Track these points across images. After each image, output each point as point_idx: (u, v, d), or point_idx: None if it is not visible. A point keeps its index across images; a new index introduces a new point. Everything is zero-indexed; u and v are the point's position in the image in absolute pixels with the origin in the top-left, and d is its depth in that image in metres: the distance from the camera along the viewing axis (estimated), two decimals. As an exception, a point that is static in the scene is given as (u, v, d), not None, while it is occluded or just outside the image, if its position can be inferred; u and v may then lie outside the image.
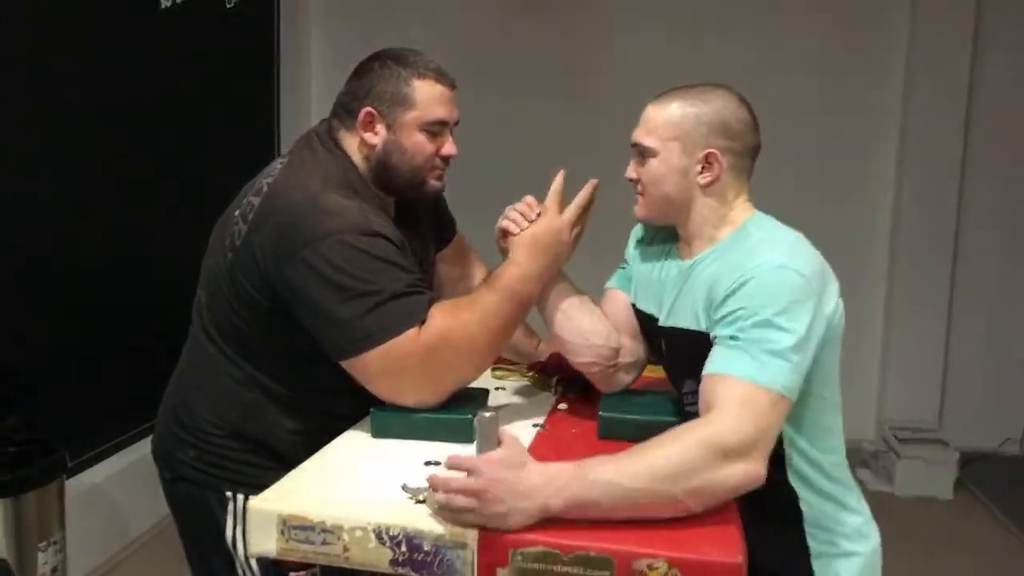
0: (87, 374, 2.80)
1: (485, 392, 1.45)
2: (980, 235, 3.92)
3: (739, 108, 1.26)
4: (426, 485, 1.11)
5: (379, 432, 1.32)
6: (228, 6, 3.50)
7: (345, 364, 1.30)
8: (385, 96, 1.38)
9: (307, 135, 1.47)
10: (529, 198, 1.40)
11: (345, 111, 1.42)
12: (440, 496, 1.01)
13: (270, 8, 3.88)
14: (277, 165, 1.42)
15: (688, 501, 1.02)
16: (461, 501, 1.00)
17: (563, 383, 1.55)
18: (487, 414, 1.04)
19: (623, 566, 0.95)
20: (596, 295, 1.46)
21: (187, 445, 1.42)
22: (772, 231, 1.24)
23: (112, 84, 2.85)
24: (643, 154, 1.27)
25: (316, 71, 4.28)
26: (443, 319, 1.29)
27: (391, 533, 1.02)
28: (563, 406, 1.50)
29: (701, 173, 1.25)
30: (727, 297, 1.16)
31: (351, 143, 1.42)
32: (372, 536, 1.02)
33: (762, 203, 1.31)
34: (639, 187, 1.30)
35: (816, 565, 1.25)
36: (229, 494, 1.39)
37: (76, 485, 2.68)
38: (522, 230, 1.36)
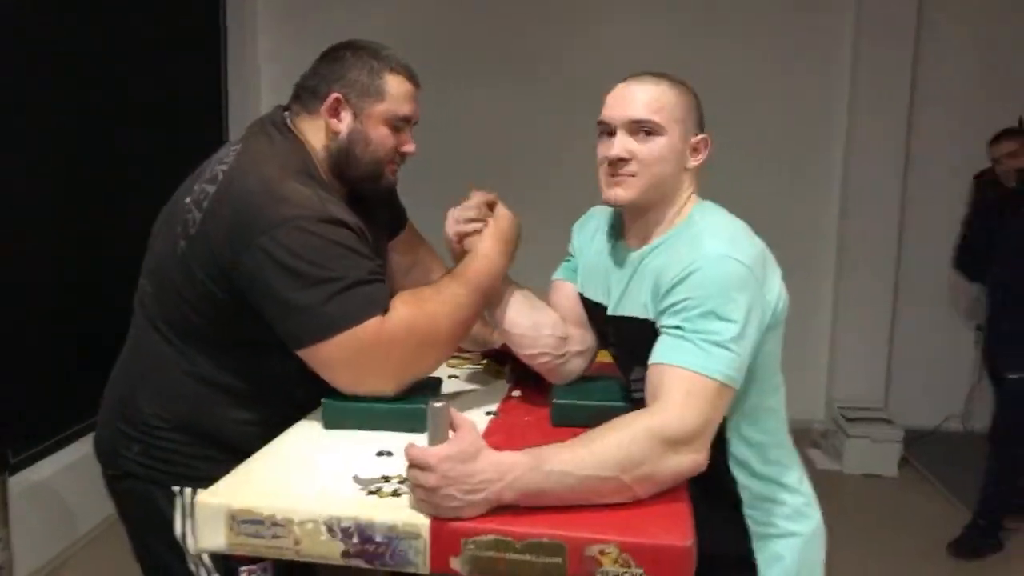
0: (28, 368, 2.73)
1: (438, 381, 1.45)
2: (925, 223, 4.03)
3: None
4: (379, 476, 1.11)
5: (331, 423, 1.30)
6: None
7: (303, 353, 1.27)
8: (356, 85, 1.38)
9: (260, 121, 1.44)
10: (479, 195, 1.40)
11: (310, 94, 1.40)
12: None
13: (216, -8, 3.80)
14: (230, 152, 1.37)
15: (636, 488, 1.05)
16: (416, 495, 1.00)
17: (516, 371, 1.55)
18: (438, 404, 1.03)
19: (575, 552, 0.96)
20: (532, 289, 1.46)
21: (131, 440, 1.38)
22: (715, 220, 1.25)
23: (54, 72, 2.76)
24: (649, 131, 1.23)
25: (264, 57, 4.20)
26: (408, 309, 1.28)
27: (343, 525, 1.01)
28: (517, 393, 1.50)
29: (692, 157, 1.27)
30: (672, 287, 1.17)
31: (311, 128, 1.40)
32: (323, 528, 1.01)
33: (717, 191, 1.33)
34: (631, 167, 1.23)
35: (756, 546, 1.28)
36: (176, 489, 1.36)
37: (20, 481, 2.62)
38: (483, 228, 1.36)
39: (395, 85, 1.40)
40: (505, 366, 1.58)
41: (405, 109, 1.41)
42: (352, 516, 1.01)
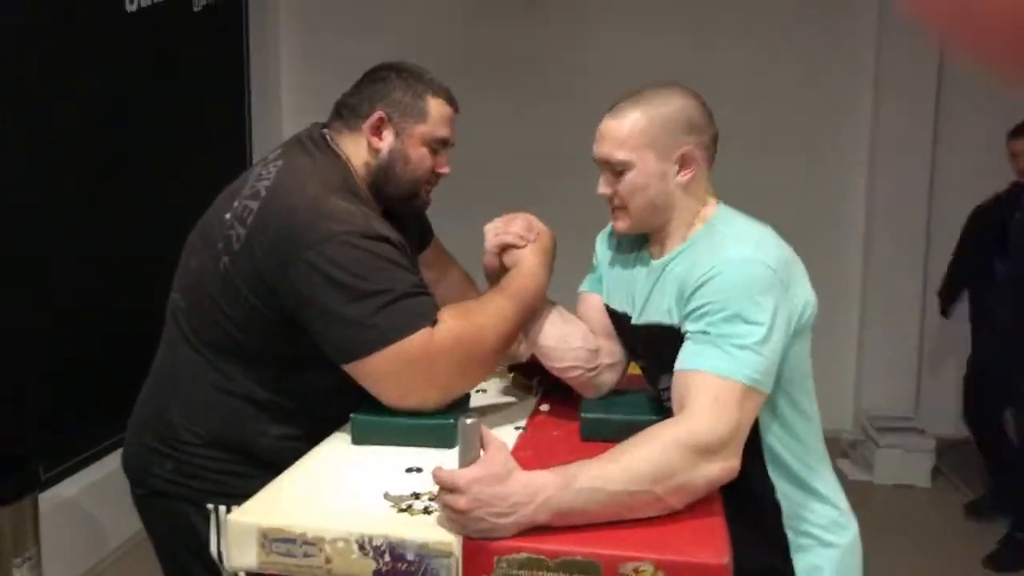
0: (60, 385, 2.75)
1: (466, 395, 1.44)
2: (953, 225, 3.96)
3: (695, 101, 1.26)
4: (409, 493, 1.10)
5: (359, 438, 1.30)
6: (195, 9, 3.45)
7: (350, 367, 1.27)
8: (400, 105, 1.41)
9: (297, 139, 1.45)
10: (523, 215, 1.41)
11: (352, 112, 1.43)
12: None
13: (239, 11, 3.84)
14: (270, 167, 1.38)
15: (669, 499, 1.03)
16: (446, 516, 1.00)
17: (543, 383, 1.54)
18: (469, 420, 1.02)
19: (610, 570, 0.95)
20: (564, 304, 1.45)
21: (163, 457, 1.38)
22: (740, 226, 1.24)
23: (79, 88, 2.81)
24: (616, 169, 1.25)
25: (286, 73, 4.24)
26: (455, 322, 1.29)
27: (374, 543, 1.00)
28: (545, 407, 1.49)
29: (680, 173, 1.25)
30: (696, 291, 1.16)
31: (352, 146, 1.42)
32: (355, 546, 1.01)
33: (742, 196, 1.32)
34: (616, 201, 1.28)
35: (795, 558, 1.26)
36: (210, 506, 1.36)
37: (50, 498, 2.64)
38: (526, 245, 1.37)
39: (436, 108, 1.43)
40: (533, 380, 1.57)
41: (444, 131, 1.44)
42: (383, 534, 1.00)
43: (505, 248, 1.38)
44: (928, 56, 3.85)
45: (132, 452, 1.45)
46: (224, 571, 1.33)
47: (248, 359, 1.34)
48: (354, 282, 1.23)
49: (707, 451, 1.05)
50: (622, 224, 1.29)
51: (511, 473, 0.99)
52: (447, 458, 1.04)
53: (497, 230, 1.38)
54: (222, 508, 1.34)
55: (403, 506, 1.07)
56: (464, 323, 1.29)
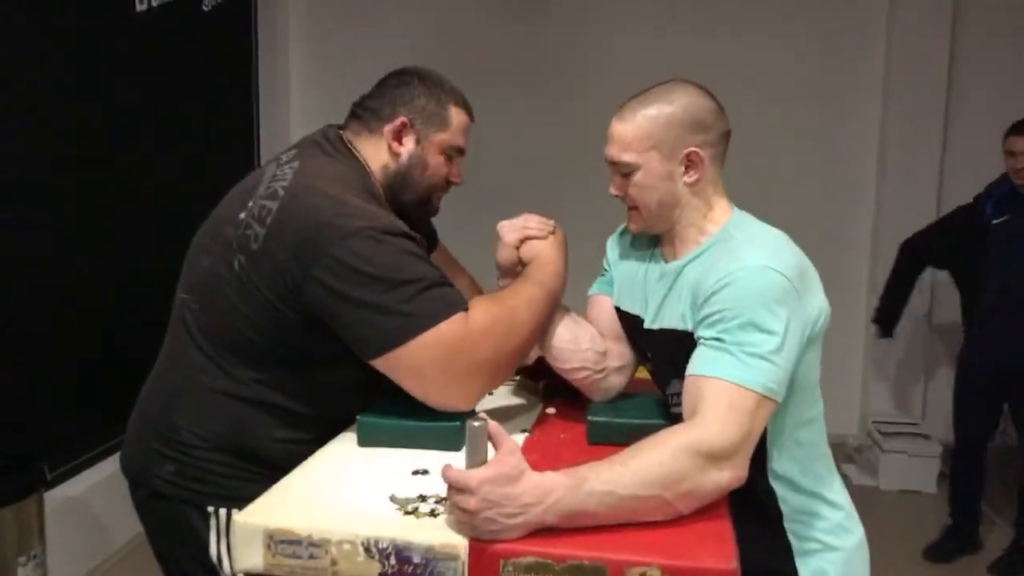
0: (65, 384, 2.76)
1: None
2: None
3: (703, 98, 1.26)
4: (415, 495, 1.10)
5: (366, 440, 1.29)
6: (205, 8, 3.46)
7: (386, 360, 1.24)
8: (424, 112, 1.42)
9: (313, 140, 1.44)
10: (537, 216, 1.42)
11: (373, 115, 1.43)
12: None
13: (248, 10, 3.85)
14: (286, 168, 1.37)
15: (678, 504, 1.03)
16: (455, 517, 1.00)
17: (550, 387, 1.54)
18: (476, 423, 1.02)
19: (617, 574, 0.94)
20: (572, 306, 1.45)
21: (165, 458, 1.36)
22: (755, 232, 1.24)
23: (88, 87, 2.81)
24: (624, 171, 1.26)
25: (295, 73, 4.25)
26: (489, 304, 1.30)
27: (380, 545, 1.00)
28: (551, 411, 1.48)
29: (686, 173, 1.25)
30: (711, 297, 1.16)
31: (370, 148, 1.42)
32: (360, 549, 1.00)
33: (748, 201, 1.31)
34: (628, 201, 1.29)
35: (801, 562, 1.26)
36: (211, 509, 1.35)
37: (56, 497, 2.64)
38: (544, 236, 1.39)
39: (457, 117, 1.45)
40: (539, 382, 1.57)
41: (462, 141, 1.46)
42: (390, 537, 1.00)
43: (523, 241, 1.38)
44: (941, 46, 3.84)
45: (132, 453, 1.43)
46: (223, 574, 1.33)
47: (260, 361, 1.33)
48: (384, 273, 1.23)
49: (718, 458, 1.05)
50: (636, 224, 1.31)
51: (523, 474, 0.99)
52: (454, 461, 1.03)
53: (515, 224, 1.40)
54: (223, 511, 1.33)
55: (409, 508, 1.07)
56: (498, 306, 1.29)
